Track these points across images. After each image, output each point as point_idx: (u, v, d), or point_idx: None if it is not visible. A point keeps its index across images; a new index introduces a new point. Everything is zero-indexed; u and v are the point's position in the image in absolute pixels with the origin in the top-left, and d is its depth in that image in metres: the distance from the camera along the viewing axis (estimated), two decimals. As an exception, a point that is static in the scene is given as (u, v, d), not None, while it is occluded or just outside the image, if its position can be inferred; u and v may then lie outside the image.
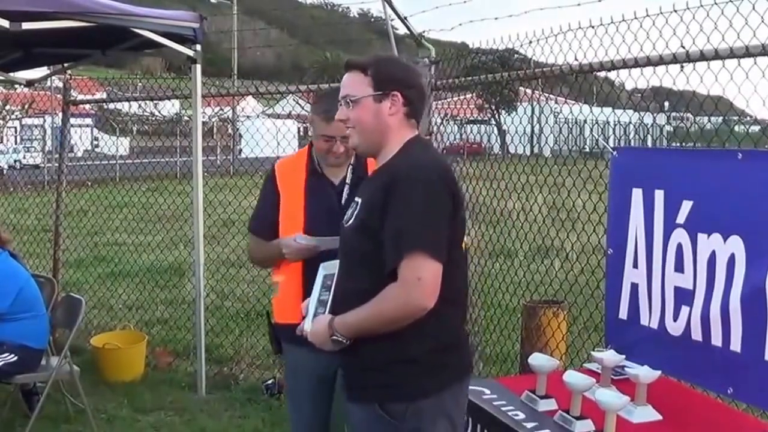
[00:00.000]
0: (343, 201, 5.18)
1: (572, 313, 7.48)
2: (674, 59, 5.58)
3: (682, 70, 5.56)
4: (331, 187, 5.27)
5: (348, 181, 5.24)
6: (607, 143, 6.43)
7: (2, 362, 7.41)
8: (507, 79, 7.63)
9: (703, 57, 5.37)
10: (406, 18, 7.96)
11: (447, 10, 7.91)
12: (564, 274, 8.06)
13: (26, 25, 7.08)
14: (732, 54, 5.18)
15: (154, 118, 46.62)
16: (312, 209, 5.24)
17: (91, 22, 7.49)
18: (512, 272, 8.43)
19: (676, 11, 5.46)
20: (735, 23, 5.18)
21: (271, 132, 14.46)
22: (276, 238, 5.26)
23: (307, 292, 5.15)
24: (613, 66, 6.03)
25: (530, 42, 6.89)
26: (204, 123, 18.73)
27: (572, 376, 4.42)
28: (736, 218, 4.58)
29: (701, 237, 4.79)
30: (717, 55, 5.28)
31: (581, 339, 7.58)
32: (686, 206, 4.91)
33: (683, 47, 5.48)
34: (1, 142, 52.23)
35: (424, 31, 8.14)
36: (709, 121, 8.28)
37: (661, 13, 5.60)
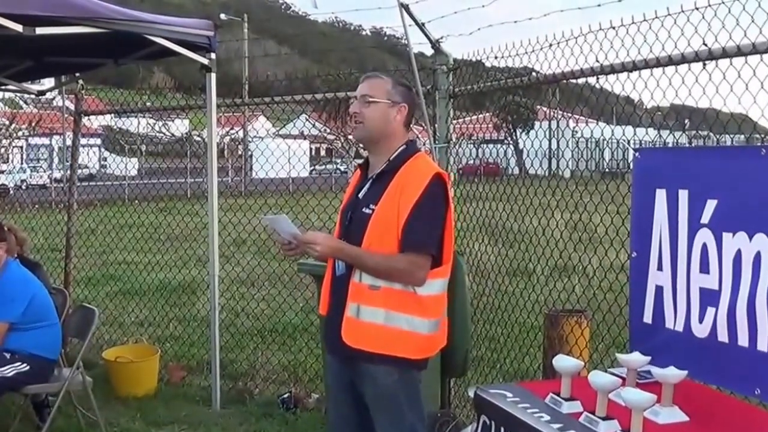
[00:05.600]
0: (362, 195, 5.21)
1: (591, 328, 7.39)
2: (683, 59, 5.58)
3: (686, 69, 5.53)
4: (362, 180, 5.32)
5: (374, 175, 5.22)
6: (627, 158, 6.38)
7: (14, 371, 7.36)
8: (527, 83, 7.57)
9: (711, 56, 5.33)
10: (423, 24, 7.92)
11: (464, 16, 7.84)
12: (583, 291, 7.99)
13: (40, 30, 7.03)
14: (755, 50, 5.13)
15: (163, 135, 46.74)
16: (347, 202, 5.37)
17: (105, 29, 7.45)
18: (534, 290, 8.38)
19: (697, 9, 5.41)
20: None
21: (284, 153, 14.45)
22: None
23: (331, 285, 5.29)
24: (635, 66, 5.98)
25: (551, 45, 6.83)
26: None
27: (598, 376, 4.34)
28: (761, 215, 4.49)
29: (726, 236, 4.70)
30: (739, 52, 5.24)
31: (601, 354, 7.50)
32: (710, 205, 4.82)
33: (704, 45, 5.43)
34: (8, 161, 52.41)
35: (441, 38, 8.09)
36: (732, 140, 8.25)
37: (683, 11, 5.54)
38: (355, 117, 5.14)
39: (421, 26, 7.94)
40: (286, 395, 8.93)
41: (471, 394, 4.93)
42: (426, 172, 5.06)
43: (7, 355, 7.43)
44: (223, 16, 58.61)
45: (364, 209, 5.09)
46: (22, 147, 58.32)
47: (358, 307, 5.01)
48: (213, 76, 8.64)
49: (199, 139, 40.72)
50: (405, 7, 7.77)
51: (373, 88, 5.15)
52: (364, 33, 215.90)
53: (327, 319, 5.30)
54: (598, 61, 6.39)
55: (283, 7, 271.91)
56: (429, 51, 8.42)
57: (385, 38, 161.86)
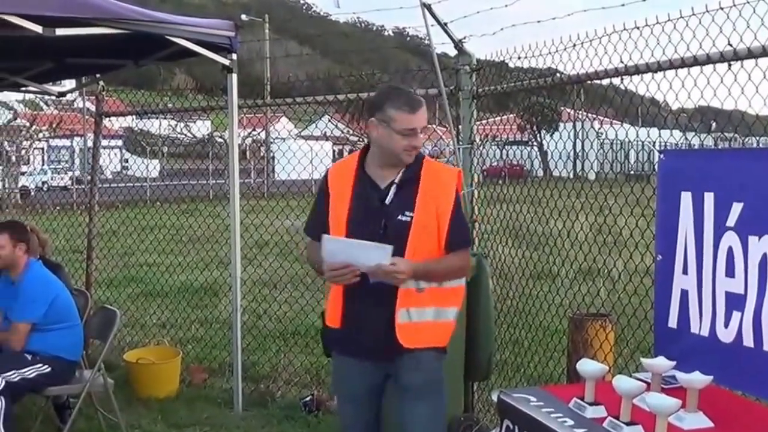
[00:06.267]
0: (388, 201, 5.13)
1: (616, 333, 7.33)
2: (708, 59, 5.54)
3: (711, 70, 5.47)
4: (375, 190, 5.19)
5: (397, 181, 5.15)
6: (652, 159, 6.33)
7: (36, 373, 7.35)
8: (551, 84, 7.52)
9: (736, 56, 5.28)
10: (446, 24, 7.88)
11: (487, 16, 7.78)
12: (608, 294, 7.92)
13: (60, 31, 7.00)
14: None
15: (185, 137, 46.76)
16: (355, 212, 5.19)
17: (125, 30, 7.41)
18: (558, 293, 8.32)
19: (722, 8, 5.35)
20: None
21: (306, 154, 14.42)
22: None
23: (347, 297, 5.14)
24: (659, 67, 5.93)
25: (574, 45, 6.77)
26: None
27: (623, 381, 4.30)
28: (788, 219, 4.45)
29: (752, 239, 4.66)
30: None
31: (625, 359, 7.44)
32: (736, 208, 4.77)
33: (729, 45, 5.37)
34: (28, 163, 52.42)
35: (464, 38, 8.04)
36: (758, 142, 8.15)
37: (707, 11, 5.48)
38: (417, 148, 5.13)
39: (443, 26, 7.91)
40: (308, 398, 8.88)
41: (494, 398, 4.90)
42: (450, 175, 5.23)
43: (29, 357, 7.42)
44: (244, 16, 58.69)
45: (399, 217, 5.07)
46: (43, 149, 58.43)
47: (409, 311, 5.05)
48: (234, 76, 8.62)
49: (220, 140, 40.71)
50: (427, 7, 7.74)
51: (426, 116, 5.14)
52: (386, 33, 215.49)
53: (353, 328, 5.19)
54: (622, 61, 6.34)
55: (304, 7, 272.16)
56: (452, 51, 8.39)
57: (408, 38, 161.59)
